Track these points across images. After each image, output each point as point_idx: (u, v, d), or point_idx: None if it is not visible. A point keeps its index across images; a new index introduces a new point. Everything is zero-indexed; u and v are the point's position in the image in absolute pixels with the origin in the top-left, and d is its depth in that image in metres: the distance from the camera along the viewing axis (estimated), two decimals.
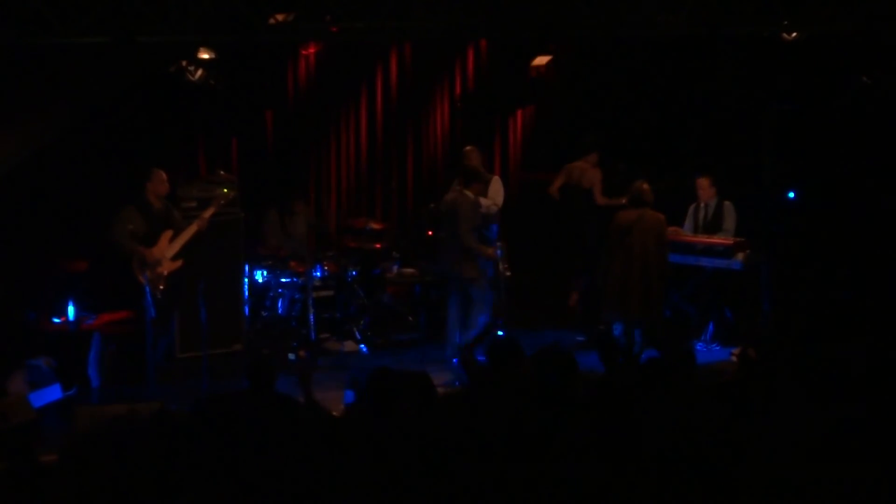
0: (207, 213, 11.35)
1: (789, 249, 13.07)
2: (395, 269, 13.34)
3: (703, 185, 12.42)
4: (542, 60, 14.27)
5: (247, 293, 12.40)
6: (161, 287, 10.87)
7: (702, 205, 12.50)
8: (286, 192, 13.17)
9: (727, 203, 12.40)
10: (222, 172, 12.53)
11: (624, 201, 11.94)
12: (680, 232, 12.50)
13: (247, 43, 11.75)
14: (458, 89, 15.05)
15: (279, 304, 12.54)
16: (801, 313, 12.28)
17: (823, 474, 5.19)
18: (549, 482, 5.19)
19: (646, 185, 11.55)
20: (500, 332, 11.49)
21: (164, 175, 11.15)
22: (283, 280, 12.50)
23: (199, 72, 11.82)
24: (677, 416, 6.09)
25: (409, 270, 13.41)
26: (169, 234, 11.08)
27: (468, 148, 12.83)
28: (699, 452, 5.56)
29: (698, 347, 11.92)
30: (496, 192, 12.53)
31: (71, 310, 11.79)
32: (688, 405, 6.40)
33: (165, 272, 10.94)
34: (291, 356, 11.86)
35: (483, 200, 12.24)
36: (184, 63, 11.80)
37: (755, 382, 7.11)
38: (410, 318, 13.25)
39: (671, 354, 8.17)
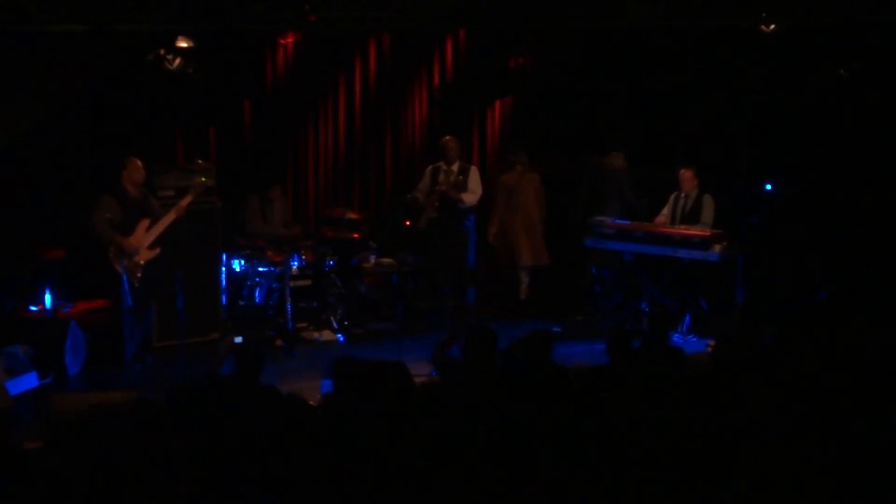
0: (185, 202, 11.32)
1: (766, 241, 13.13)
2: (372, 259, 13.33)
3: (686, 175, 12.42)
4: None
5: (224, 282, 12.40)
6: (138, 275, 10.85)
7: (682, 195, 12.52)
8: (264, 180, 13.17)
9: (707, 196, 12.40)
10: (200, 161, 12.51)
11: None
12: (665, 224, 12.54)
13: (225, 32, 11.72)
14: (436, 80, 15.02)
15: (256, 293, 12.52)
16: (777, 305, 12.35)
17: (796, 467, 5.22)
18: (526, 473, 5.21)
19: (521, 152, 13.81)
20: None
21: (139, 162, 11.10)
22: (261, 269, 12.48)
23: (178, 60, 11.79)
24: (659, 409, 6.12)
25: (387, 260, 13.41)
26: (146, 222, 11.05)
27: (447, 138, 12.92)
28: (679, 443, 5.60)
29: (675, 338, 11.96)
30: (476, 182, 12.66)
31: (48, 298, 11.77)
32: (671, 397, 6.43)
33: (142, 261, 10.91)
34: (238, 339, 11.83)
35: (465, 196, 12.46)
36: (162, 51, 11.76)
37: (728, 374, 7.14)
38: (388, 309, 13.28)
39: (655, 348, 8.22)
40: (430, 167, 13.08)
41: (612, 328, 8.97)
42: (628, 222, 12.72)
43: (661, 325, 9.85)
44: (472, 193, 12.68)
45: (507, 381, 7.08)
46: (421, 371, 9.93)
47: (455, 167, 12.74)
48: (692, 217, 12.36)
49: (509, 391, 6.79)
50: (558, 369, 7.52)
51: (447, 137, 12.99)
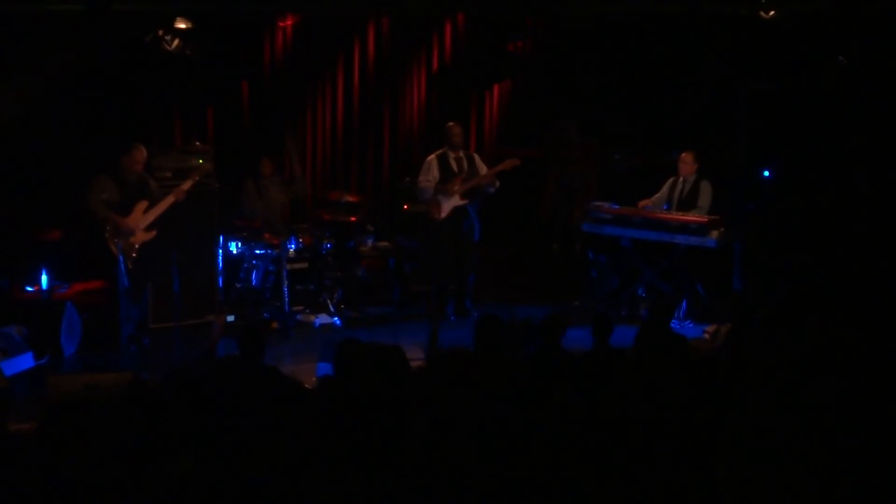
0: (186, 186, 11.26)
1: (763, 228, 13.14)
2: (369, 242, 13.34)
3: (687, 159, 12.34)
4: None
5: (221, 264, 12.38)
6: (133, 256, 10.83)
7: (680, 179, 12.47)
8: (255, 157, 13.05)
9: (704, 182, 12.36)
10: (198, 143, 12.47)
11: None
12: (652, 206, 12.51)
13: (224, 13, 11.70)
14: (435, 64, 15.01)
15: (253, 276, 12.50)
16: (773, 291, 12.35)
17: (793, 456, 5.23)
18: (525, 458, 5.21)
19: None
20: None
21: (144, 152, 11.01)
22: (258, 251, 12.45)
23: (176, 41, 11.76)
24: (662, 393, 6.11)
25: (384, 244, 13.41)
26: (144, 204, 11.01)
27: (451, 124, 12.68)
28: (678, 427, 5.60)
29: (672, 324, 11.96)
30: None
31: (44, 278, 11.77)
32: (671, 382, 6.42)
33: (138, 243, 10.89)
34: (230, 317, 11.82)
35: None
36: (160, 32, 11.73)
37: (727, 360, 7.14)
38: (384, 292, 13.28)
39: (658, 331, 8.21)
40: (434, 156, 12.56)
41: (598, 312, 8.93)
42: (626, 207, 12.70)
43: (662, 311, 9.83)
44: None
45: (516, 366, 7.08)
46: (417, 355, 9.93)
47: (462, 154, 12.58)
48: (689, 202, 12.32)
49: (517, 377, 6.78)
50: (566, 354, 7.55)
51: (451, 123, 12.61)
